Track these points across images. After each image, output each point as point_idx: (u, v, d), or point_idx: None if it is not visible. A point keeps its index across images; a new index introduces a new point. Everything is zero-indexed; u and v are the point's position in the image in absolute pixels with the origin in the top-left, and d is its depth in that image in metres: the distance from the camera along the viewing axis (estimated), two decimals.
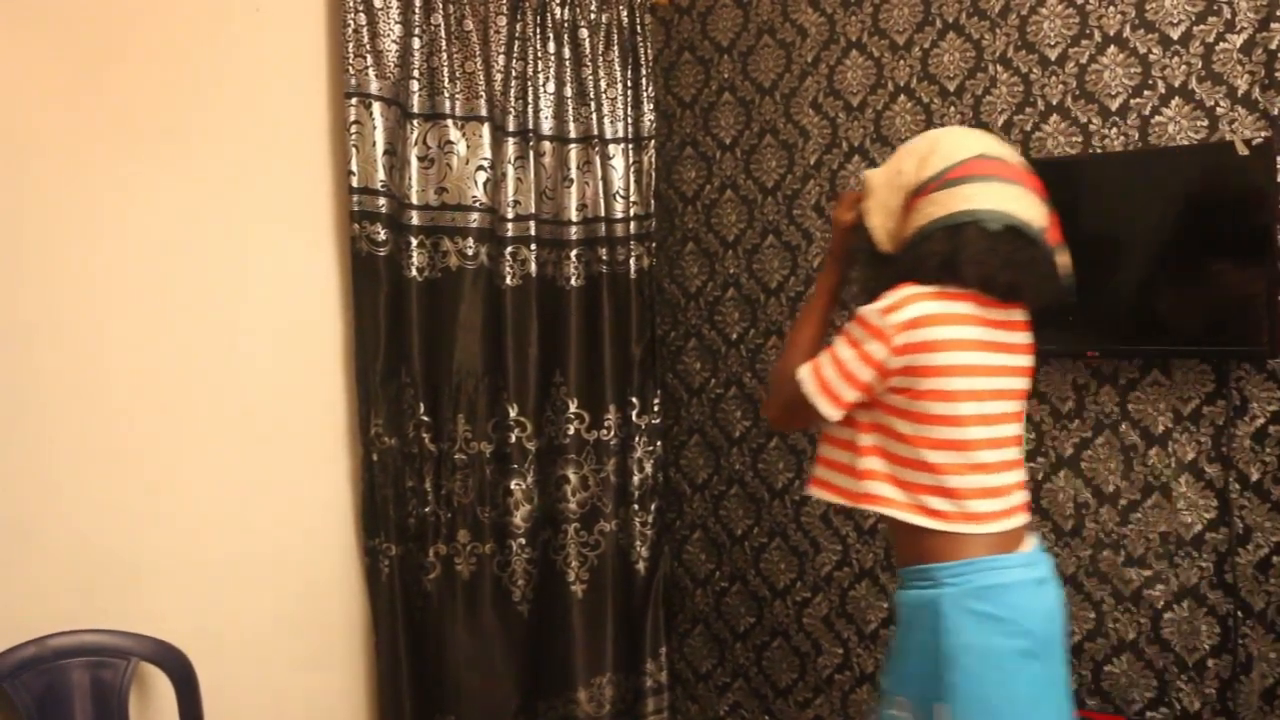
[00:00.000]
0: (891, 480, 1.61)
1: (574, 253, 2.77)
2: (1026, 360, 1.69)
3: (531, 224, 2.66)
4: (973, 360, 1.58)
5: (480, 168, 2.58)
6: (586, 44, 2.77)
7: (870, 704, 2.61)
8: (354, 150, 2.38)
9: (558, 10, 2.72)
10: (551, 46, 2.71)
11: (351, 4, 2.37)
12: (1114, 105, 2.31)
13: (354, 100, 2.38)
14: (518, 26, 2.64)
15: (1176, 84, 2.23)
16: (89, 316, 2.08)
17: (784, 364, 1.71)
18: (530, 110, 2.66)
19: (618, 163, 2.85)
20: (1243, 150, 2.05)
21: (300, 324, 2.42)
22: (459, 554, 2.58)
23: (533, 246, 2.67)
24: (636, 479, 2.86)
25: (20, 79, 1.99)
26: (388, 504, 2.47)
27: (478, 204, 2.58)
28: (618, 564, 2.84)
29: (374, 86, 2.40)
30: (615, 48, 2.84)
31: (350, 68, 2.37)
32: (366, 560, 2.49)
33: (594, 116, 2.79)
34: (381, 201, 2.43)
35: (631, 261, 2.85)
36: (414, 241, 2.50)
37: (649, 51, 2.92)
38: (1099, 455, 2.36)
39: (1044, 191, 1.66)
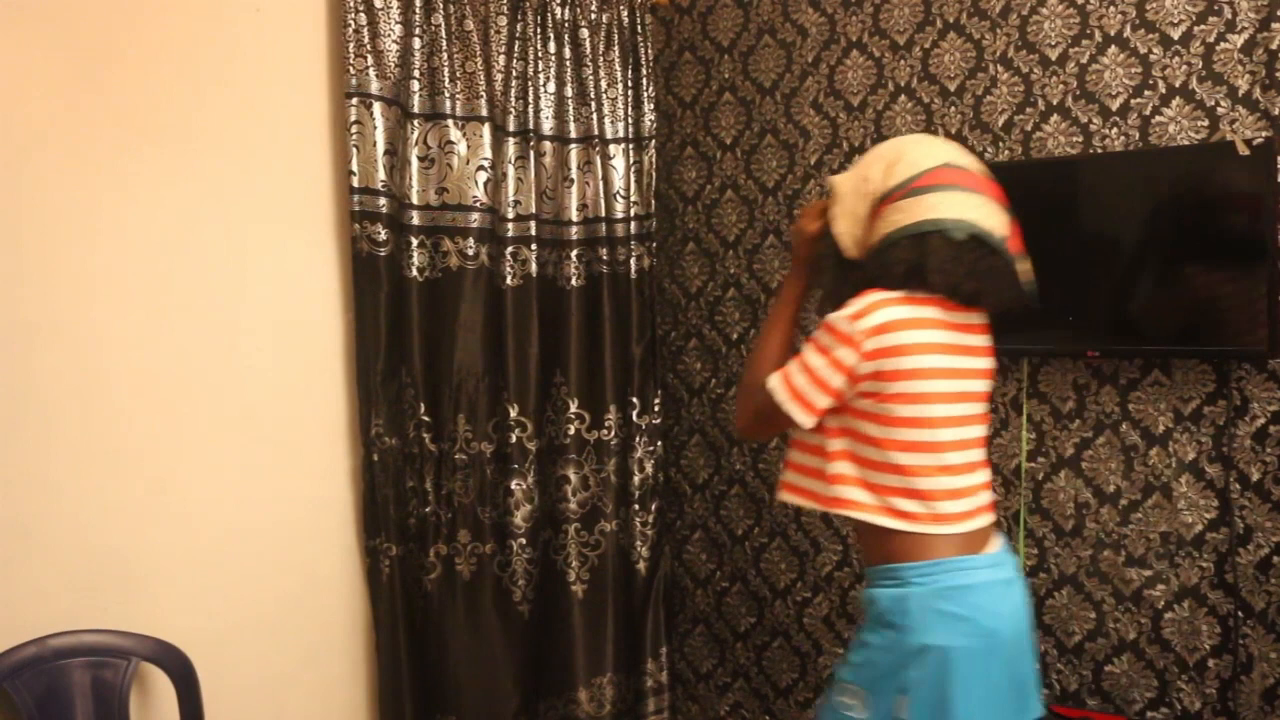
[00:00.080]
0: (861, 484, 1.64)
1: (574, 253, 2.77)
2: (988, 363, 1.73)
3: (532, 224, 2.66)
4: (940, 363, 1.61)
5: (481, 168, 2.58)
6: (587, 44, 2.77)
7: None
8: (354, 150, 2.38)
9: (558, 10, 2.72)
10: (552, 46, 2.71)
11: (352, 4, 2.37)
12: (1114, 105, 2.31)
13: (354, 100, 2.38)
14: (518, 26, 2.64)
15: (1177, 84, 2.23)
16: (89, 316, 2.08)
17: (752, 374, 1.73)
18: (531, 110, 2.66)
19: (618, 163, 2.85)
20: (1243, 150, 2.05)
21: (300, 324, 2.42)
22: (459, 554, 2.58)
23: (533, 246, 2.67)
24: (637, 479, 2.86)
25: (20, 78, 1.99)
26: (388, 504, 2.47)
27: (478, 204, 2.57)
28: (618, 564, 2.84)
29: (374, 86, 2.40)
30: (616, 48, 2.84)
31: (351, 68, 2.37)
32: (367, 560, 2.49)
33: (594, 116, 2.79)
34: (382, 201, 2.43)
35: (632, 261, 2.85)
36: (414, 241, 2.50)
37: (649, 51, 2.92)
38: (1099, 455, 2.36)
39: (1005, 200, 1.69)
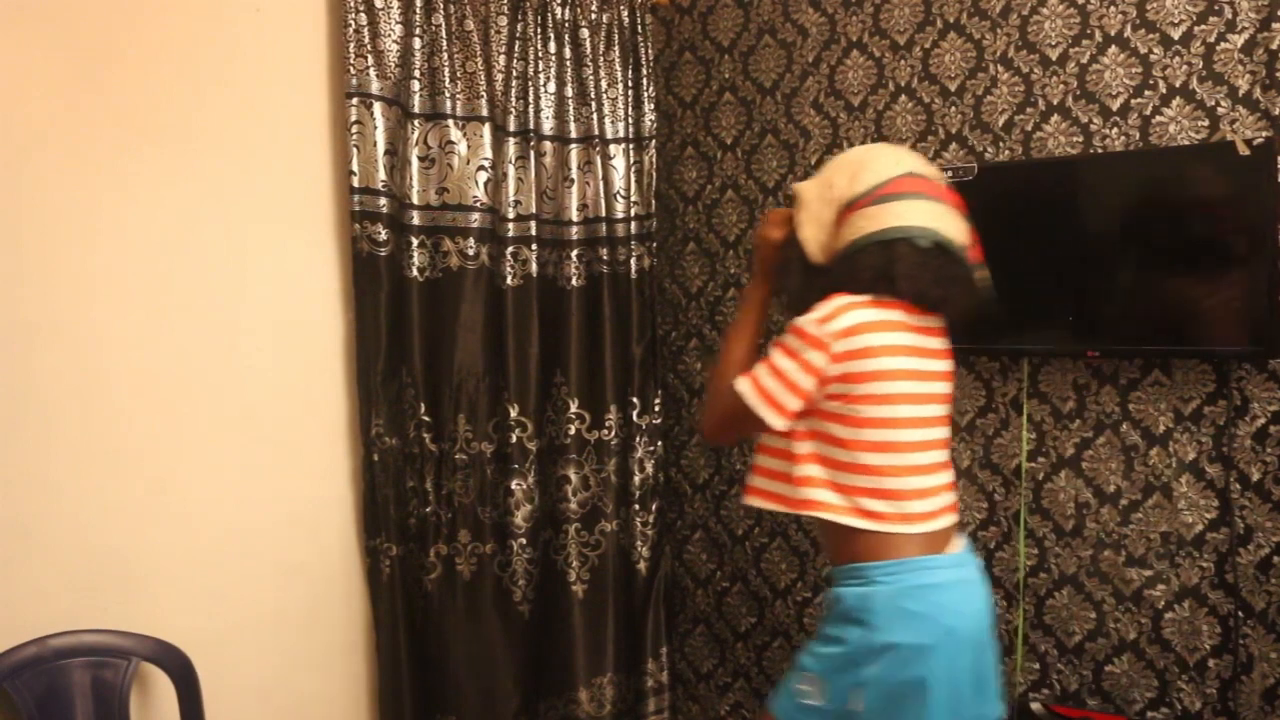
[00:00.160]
0: (830, 485, 1.66)
1: (575, 253, 2.77)
2: (948, 365, 1.76)
3: (532, 224, 2.66)
4: (906, 365, 1.65)
5: (481, 168, 2.58)
6: (587, 44, 2.77)
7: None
8: (355, 150, 2.38)
9: (558, 10, 2.72)
10: (552, 46, 2.71)
11: (352, 4, 2.37)
12: (1115, 105, 2.31)
13: (355, 100, 2.38)
14: (518, 26, 2.64)
15: (1177, 84, 2.23)
16: (89, 316, 2.08)
17: (719, 379, 1.76)
18: (531, 110, 2.66)
19: (618, 163, 2.85)
20: (1244, 150, 2.05)
21: (301, 324, 2.42)
22: (460, 554, 2.58)
23: (534, 246, 2.67)
24: (637, 479, 2.86)
25: (20, 79, 1.99)
26: (389, 504, 2.47)
27: (478, 204, 2.57)
28: (619, 564, 2.84)
29: (375, 86, 2.40)
30: (616, 48, 2.84)
31: (351, 68, 2.37)
32: (367, 560, 2.49)
33: (595, 116, 2.79)
34: (382, 201, 2.43)
35: (632, 261, 2.85)
36: (415, 241, 2.50)
37: (650, 51, 2.92)
38: (1100, 455, 2.36)
39: (965, 209, 1.74)
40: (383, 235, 2.43)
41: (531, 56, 2.66)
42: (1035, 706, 2.39)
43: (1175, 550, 2.27)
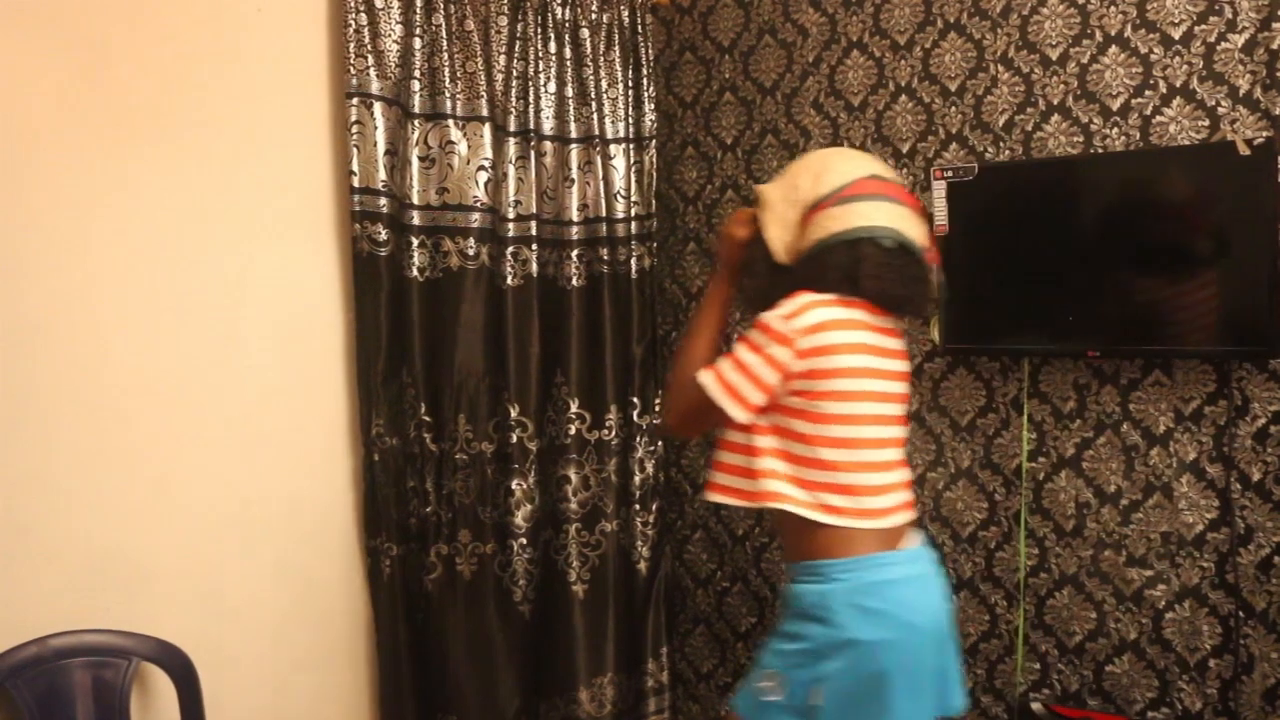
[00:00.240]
0: (791, 480, 1.68)
1: (575, 253, 2.77)
2: (905, 365, 1.79)
3: (533, 224, 2.66)
4: (867, 363, 1.67)
5: (481, 168, 2.57)
6: (588, 44, 2.77)
7: None
8: (355, 150, 2.38)
9: (559, 10, 2.72)
10: (552, 46, 2.71)
11: (353, 4, 2.37)
12: (1115, 105, 2.31)
13: (355, 100, 2.38)
14: (519, 26, 2.64)
15: (1178, 84, 2.23)
16: (89, 316, 2.08)
17: (681, 372, 1.78)
18: (531, 110, 2.66)
19: (619, 163, 2.85)
20: (1244, 150, 2.05)
21: (301, 324, 2.42)
22: (460, 554, 2.58)
23: (534, 246, 2.67)
24: (638, 479, 2.86)
25: (20, 79, 1.99)
26: (389, 504, 2.47)
27: (479, 204, 2.57)
28: (619, 564, 2.84)
29: (375, 86, 2.40)
30: (616, 48, 2.84)
31: (351, 68, 2.37)
32: (368, 560, 2.49)
33: (595, 116, 2.79)
34: (382, 201, 2.43)
35: (633, 261, 2.85)
36: (415, 241, 2.49)
37: (650, 51, 2.92)
38: (1100, 455, 2.35)
39: (924, 213, 1.78)
40: (383, 235, 2.43)
41: (532, 56, 2.66)
42: (1036, 706, 2.39)
43: (1176, 550, 2.27)
